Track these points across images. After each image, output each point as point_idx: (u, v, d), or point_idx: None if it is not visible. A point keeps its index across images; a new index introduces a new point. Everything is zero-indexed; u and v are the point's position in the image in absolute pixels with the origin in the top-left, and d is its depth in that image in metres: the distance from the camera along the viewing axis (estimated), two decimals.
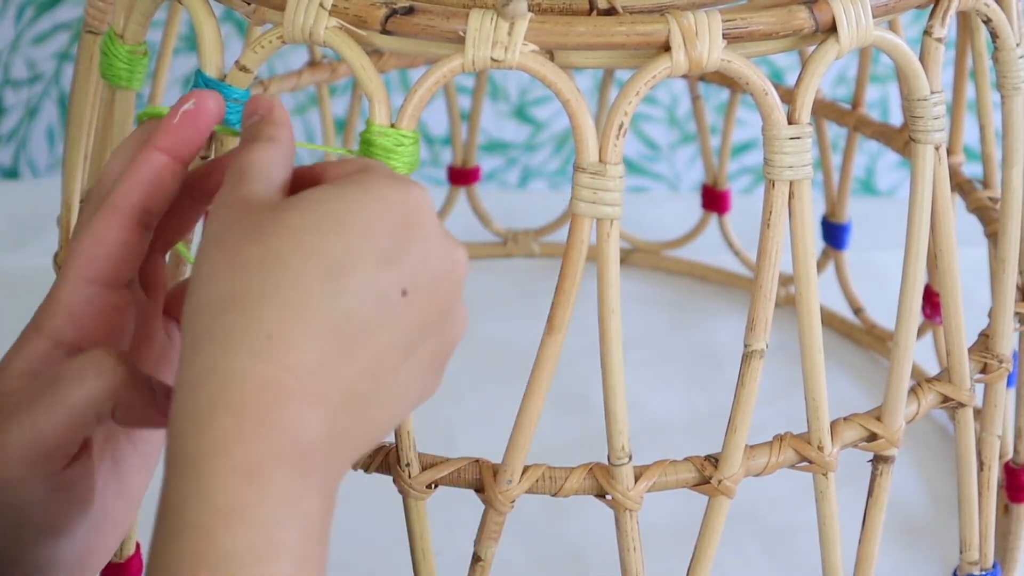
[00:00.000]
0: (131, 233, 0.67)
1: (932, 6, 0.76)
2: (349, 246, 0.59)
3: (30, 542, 0.66)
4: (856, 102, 1.13)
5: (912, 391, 0.81)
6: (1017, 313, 0.86)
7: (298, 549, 0.55)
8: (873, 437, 0.79)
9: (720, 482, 0.75)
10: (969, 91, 1.04)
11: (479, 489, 0.75)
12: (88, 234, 0.66)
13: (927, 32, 0.76)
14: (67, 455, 0.64)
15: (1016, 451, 0.95)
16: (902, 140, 1.08)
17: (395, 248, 0.60)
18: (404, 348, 0.61)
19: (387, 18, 0.68)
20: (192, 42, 1.43)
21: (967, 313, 0.81)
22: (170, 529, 0.55)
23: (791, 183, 0.72)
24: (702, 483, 0.76)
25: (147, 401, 0.64)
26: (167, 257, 0.72)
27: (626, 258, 1.27)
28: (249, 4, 0.72)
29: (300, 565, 0.55)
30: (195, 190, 0.69)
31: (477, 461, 0.75)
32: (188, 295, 0.60)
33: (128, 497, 0.70)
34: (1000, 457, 0.93)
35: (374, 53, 1.01)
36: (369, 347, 0.59)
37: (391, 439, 0.74)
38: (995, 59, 0.82)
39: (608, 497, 0.75)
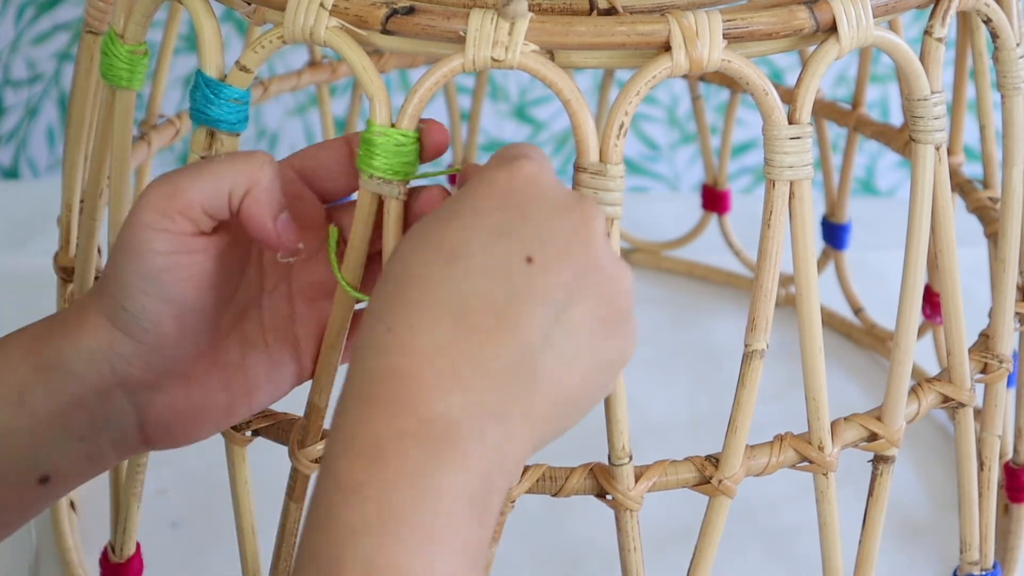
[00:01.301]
0: (348, 158, 0.73)
1: (932, 6, 0.76)
2: (463, 231, 0.62)
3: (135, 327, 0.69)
4: (856, 102, 1.13)
5: (912, 391, 0.81)
6: (1017, 313, 0.86)
7: (424, 522, 0.58)
8: (873, 437, 0.79)
9: (720, 482, 0.75)
10: (969, 91, 1.04)
11: None
12: (317, 145, 0.74)
13: (927, 32, 0.76)
14: (191, 221, 0.69)
15: (1016, 451, 0.95)
16: (902, 140, 1.08)
17: (507, 220, 0.63)
18: (548, 312, 0.62)
19: (387, 18, 0.68)
20: (192, 42, 1.43)
21: (967, 313, 0.81)
22: (308, 508, 0.60)
23: (791, 183, 0.72)
24: (702, 483, 0.76)
25: (266, 213, 0.69)
26: None
27: (626, 258, 1.26)
28: (249, 4, 0.72)
29: (426, 538, 0.57)
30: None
31: None
32: None
33: (245, 379, 0.73)
34: (1000, 457, 0.93)
35: (374, 53, 1.01)
36: (503, 319, 0.61)
37: None
38: (995, 59, 0.82)
39: (608, 497, 0.75)
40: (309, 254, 0.74)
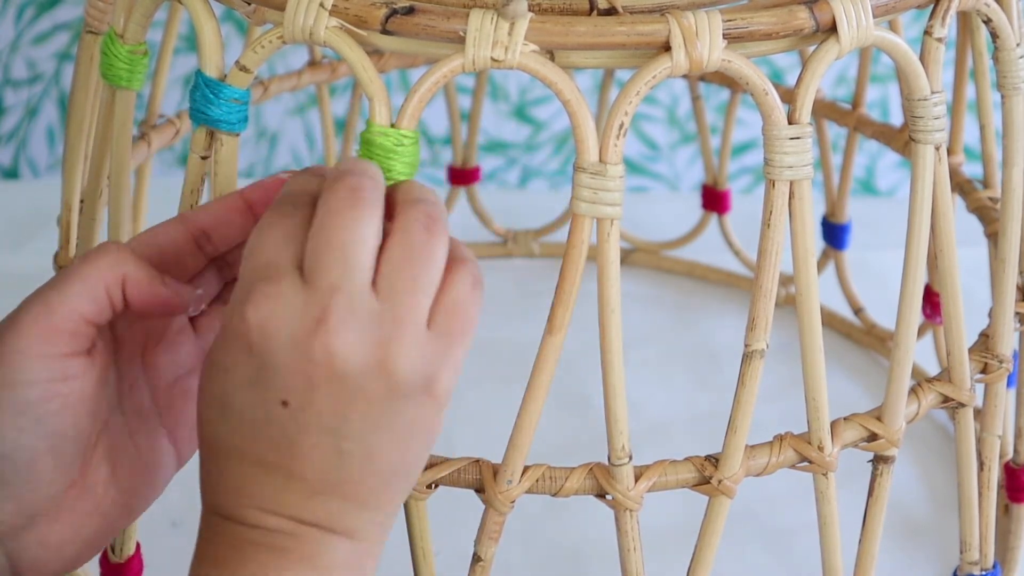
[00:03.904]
0: (186, 242, 0.70)
1: (932, 6, 0.76)
2: (227, 380, 0.64)
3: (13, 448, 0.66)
4: (856, 102, 1.13)
5: (912, 391, 0.81)
6: (1017, 313, 0.86)
7: None
8: (873, 437, 0.79)
9: (720, 482, 0.75)
10: (969, 91, 1.04)
11: (479, 489, 0.75)
12: (149, 230, 0.71)
13: (927, 32, 0.76)
14: (72, 337, 0.66)
15: (1016, 451, 0.95)
16: (902, 140, 1.08)
17: (252, 372, 0.63)
18: (320, 428, 0.63)
19: (387, 18, 0.68)
20: (192, 42, 1.43)
21: (967, 313, 0.81)
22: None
23: (791, 183, 0.72)
24: (702, 483, 0.76)
25: (154, 284, 0.68)
26: None
27: (626, 258, 1.27)
28: (249, 4, 0.72)
29: None
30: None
31: (477, 461, 0.75)
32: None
33: (119, 492, 0.70)
34: (1000, 457, 0.93)
35: (374, 53, 1.01)
36: (291, 457, 0.64)
37: None
38: (995, 59, 0.82)
39: (608, 497, 0.75)
40: (163, 332, 0.72)
